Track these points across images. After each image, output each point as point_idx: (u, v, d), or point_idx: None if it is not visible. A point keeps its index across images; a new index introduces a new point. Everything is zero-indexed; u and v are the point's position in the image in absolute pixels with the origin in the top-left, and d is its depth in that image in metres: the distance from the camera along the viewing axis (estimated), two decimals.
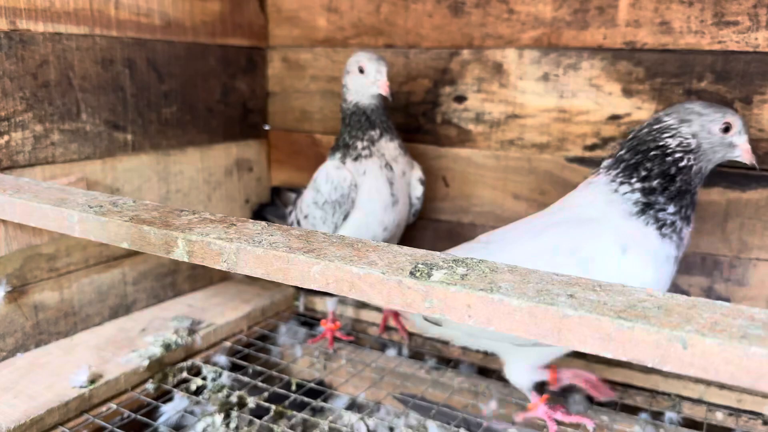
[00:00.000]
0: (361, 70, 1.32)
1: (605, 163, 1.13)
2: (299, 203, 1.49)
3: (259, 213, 1.83)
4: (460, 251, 1.18)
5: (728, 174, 1.31)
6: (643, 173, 1.06)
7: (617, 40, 1.36)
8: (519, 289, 0.63)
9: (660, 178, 1.05)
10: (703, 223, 1.35)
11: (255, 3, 1.73)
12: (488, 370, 1.44)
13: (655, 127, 1.08)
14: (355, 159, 1.34)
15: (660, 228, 1.05)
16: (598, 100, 1.39)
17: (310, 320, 1.64)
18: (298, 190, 1.74)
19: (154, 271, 1.54)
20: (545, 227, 1.10)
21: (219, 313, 1.52)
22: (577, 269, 1.01)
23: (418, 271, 0.68)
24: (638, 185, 1.06)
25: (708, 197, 1.33)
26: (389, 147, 1.36)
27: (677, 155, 1.05)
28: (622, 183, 1.08)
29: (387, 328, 1.58)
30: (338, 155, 1.37)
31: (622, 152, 1.10)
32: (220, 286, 1.71)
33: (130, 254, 1.46)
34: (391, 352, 1.53)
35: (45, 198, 0.97)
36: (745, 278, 1.34)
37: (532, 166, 1.50)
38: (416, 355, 1.51)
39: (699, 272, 1.38)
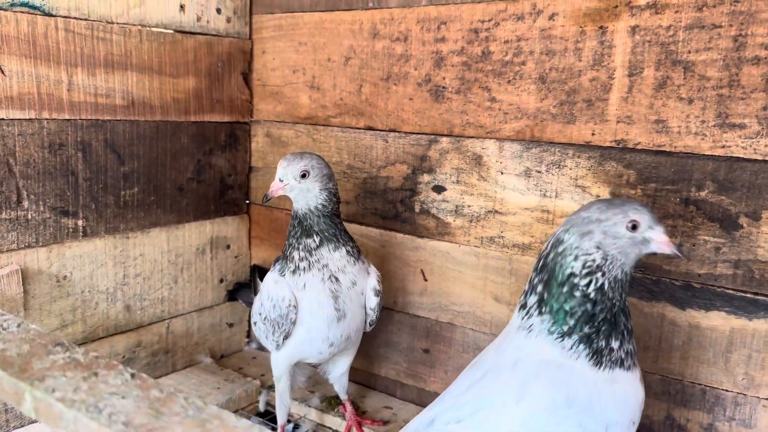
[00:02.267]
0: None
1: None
2: (254, 303, 1.38)
3: (234, 293, 1.73)
4: None
5: (732, 297, 1.12)
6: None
7: (606, 137, 1.20)
8: None
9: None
10: (703, 351, 1.16)
11: (238, 78, 1.66)
12: None
13: (558, 250, 0.94)
14: (293, 272, 1.22)
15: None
16: (583, 202, 1.23)
17: (269, 422, 1.51)
18: None
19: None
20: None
21: None
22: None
23: None
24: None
25: (708, 322, 1.15)
26: (334, 257, 1.22)
27: (584, 281, 0.91)
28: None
29: None
30: (278, 267, 1.26)
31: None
32: (182, 374, 1.61)
33: (75, 342, 1.38)
34: None
35: None
36: (752, 419, 1.14)
37: (514, 268, 1.34)
38: None
39: (698, 406, 1.18)
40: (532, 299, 0.96)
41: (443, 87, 1.39)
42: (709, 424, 1.18)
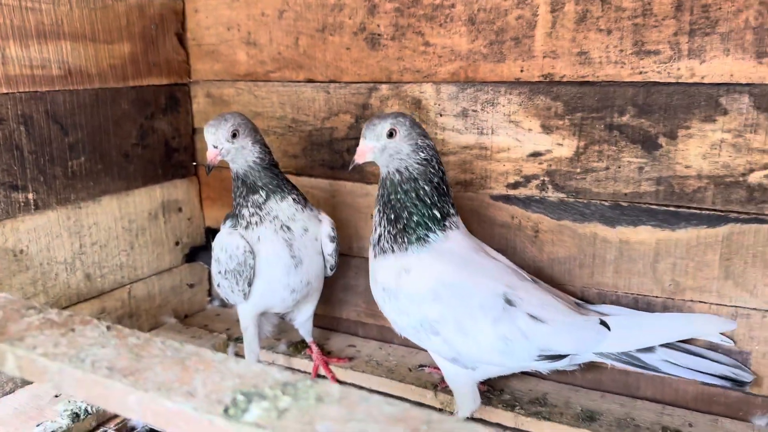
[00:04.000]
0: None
1: None
2: (211, 265, 1.42)
3: (192, 256, 1.77)
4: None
5: (657, 212, 1.23)
6: None
7: (534, 73, 1.28)
8: None
9: None
10: (633, 263, 1.27)
11: (173, 39, 1.65)
12: None
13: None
14: (246, 227, 1.27)
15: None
16: (517, 136, 1.31)
17: None
18: None
19: None
20: None
21: None
22: None
23: (235, 406, 0.61)
24: None
25: (636, 236, 1.26)
26: (282, 207, 1.27)
27: None
28: None
29: (318, 376, 1.51)
30: (228, 224, 1.30)
31: None
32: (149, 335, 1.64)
33: None
34: None
35: None
36: None
37: (458, 204, 1.41)
38: None
39: None
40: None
41: (378, 34, 1.43)
42: None
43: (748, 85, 1.11)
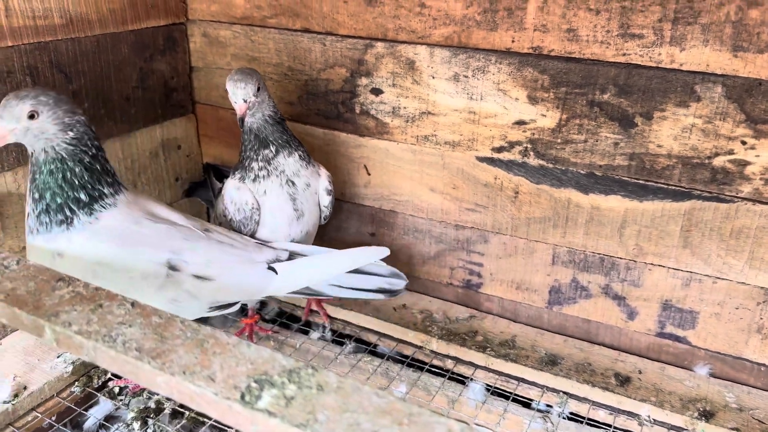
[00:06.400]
0: (227, 91, 1.29)
1: None
2: (216, 206, 1.51)
3: (191, 192, 1.86)
4: None
5: (627, 183, 1.33)
6: None
7: (525, 44, 1.33)
8: (332, 423, 0.69)
9: None
10: (602, 227, 1.39)
11: None
12: (402, 355, 1.53)
13: None
14: (254, 180, 1.35)
15: None
16: (505, 104, 1.38)
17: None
18: (225, 175, 1.75)
19: None
20: None
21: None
22: None
23: (250, 392, 0.73)
24: None
25: (607, 204, 1.37)
26: (288, 162, 1.36)
27: None
28: None
29: (311, 312, 1.66)
30: (238, 176, 1.38)
31: None
32: None
33: None
34: (315, 335, 1.61)
35: None
36: (640, 280, 1.40)
37: (446, 162, 1.51)
38: (337, 337, 1.60)
39: (597, 271, 1.43)
40: None
41: None
42: (606, 285, 1.44)
43: (722, 75, 1.18)
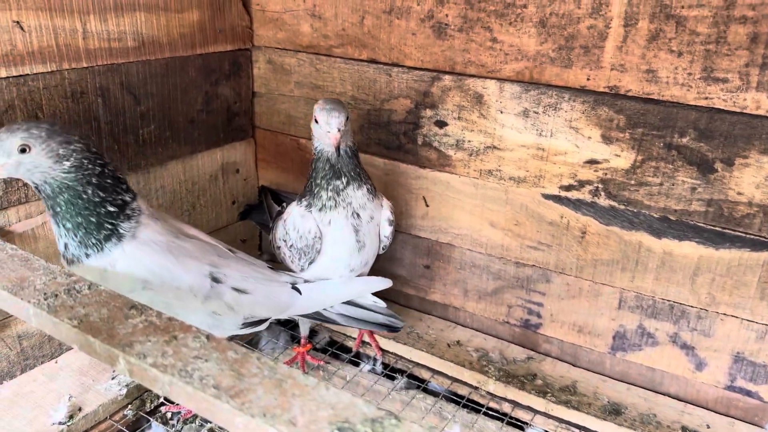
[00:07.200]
0: (317, 121, 1.28)
1: None
2: (275, 227, 1.50)
3: (246, 215, 1.86)
4: None
5: (703, 230, 1.28)
6: None
7: (600, 83, 1.30)
8: None
9: None
10: (673, 273, 1.34)
11: (238, 4, 1.67)
12: (455, 395, 1.49)
13: None
14: (320, 209, 1.34)
15: None
16: (577, 142, 1.35)
17: (291, 329, 1.70)
18: (283, 198, 1.74)
19: None
20: None
21: None
22: None
23: None
24: None
25: (680, 250, 1.32)
26: (357, 195, 1.34)
27: None
28: None
29: (363, 343, 1.63)
30: (304, 203, 1.37)
31: None
32: None
33: None
34: (366, 367, 1.58)
35: (4, 278, 1.00)
36: (711, 330, 1.34)
37: (509, 198, 1.48)
38: (388, 370, 1.57)
39: (666, 318, 1.38)
40: None
41: (446, 24, 1.44)
42: (675, 333, 1.39)
43: None
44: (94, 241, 1.11)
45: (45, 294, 0.98)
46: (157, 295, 1.16)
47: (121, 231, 1.13)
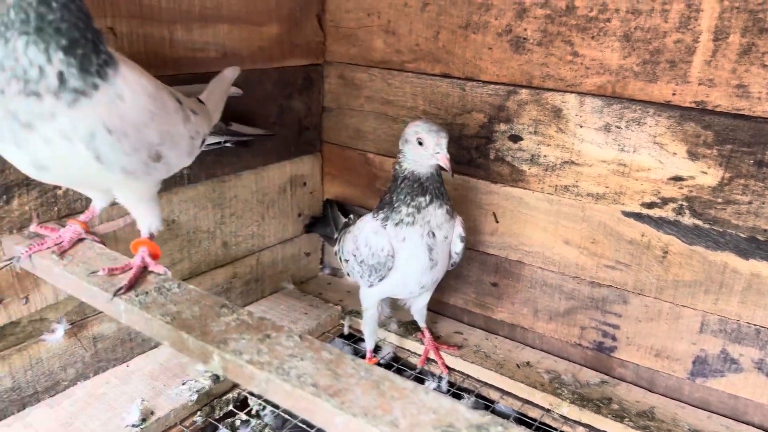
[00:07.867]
0: (420, 143, 1.28)
1: None
2: (343, 240, 1.50)
3: (311, 226, 1.86)
4: None
5: None
6: None
7: (687, 98, 1.27)
8: None
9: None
10: (761, 296, 1.29)
11: (314, 21, 1.70)
12: (525, 416, 1.45)
13: None
14: (396, 224, 1.33)
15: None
16: (661, 158, 1.32)
17: (354, 343, 1.68)
18: (349, 211, 1.75)
19: (208, 291, 1.60)
20: None
21: None
22: None
23: None
24: None
25: None
26: (437, 214, 1.32)
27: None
28: None
29: (428, 360, 1.60)
30: (381, 216, 1.36)
31: None
32: (271, 299, 1.77)
33: (183, 277, 1.52)
34: (431, 385, 1.55)
35: (94, 275, 1.02)
36: None
37: (586, 215, 1.45)
38: (455, 389, 1.54)
39: (752, 344, 1.32)
40: None
41: (524, 38, 1.43)
42: (760, 359, 1.32)
43: None
44: (95, 67, 0.90)
45: (136, 291, 0.99)
46: (161, 126, 1.01)
47: (114, 56, 0.94)
